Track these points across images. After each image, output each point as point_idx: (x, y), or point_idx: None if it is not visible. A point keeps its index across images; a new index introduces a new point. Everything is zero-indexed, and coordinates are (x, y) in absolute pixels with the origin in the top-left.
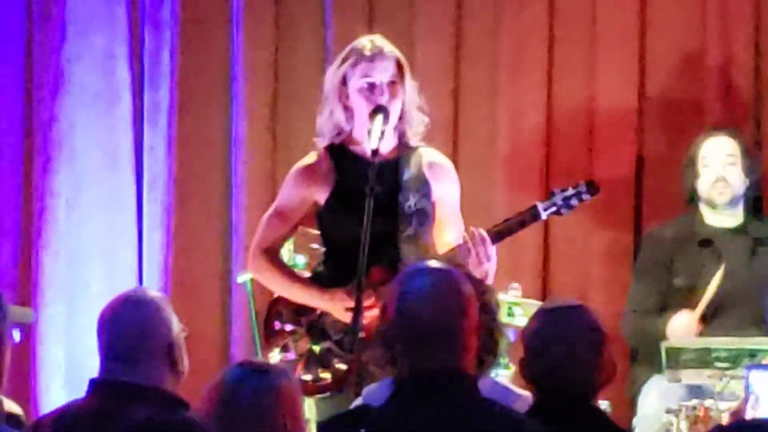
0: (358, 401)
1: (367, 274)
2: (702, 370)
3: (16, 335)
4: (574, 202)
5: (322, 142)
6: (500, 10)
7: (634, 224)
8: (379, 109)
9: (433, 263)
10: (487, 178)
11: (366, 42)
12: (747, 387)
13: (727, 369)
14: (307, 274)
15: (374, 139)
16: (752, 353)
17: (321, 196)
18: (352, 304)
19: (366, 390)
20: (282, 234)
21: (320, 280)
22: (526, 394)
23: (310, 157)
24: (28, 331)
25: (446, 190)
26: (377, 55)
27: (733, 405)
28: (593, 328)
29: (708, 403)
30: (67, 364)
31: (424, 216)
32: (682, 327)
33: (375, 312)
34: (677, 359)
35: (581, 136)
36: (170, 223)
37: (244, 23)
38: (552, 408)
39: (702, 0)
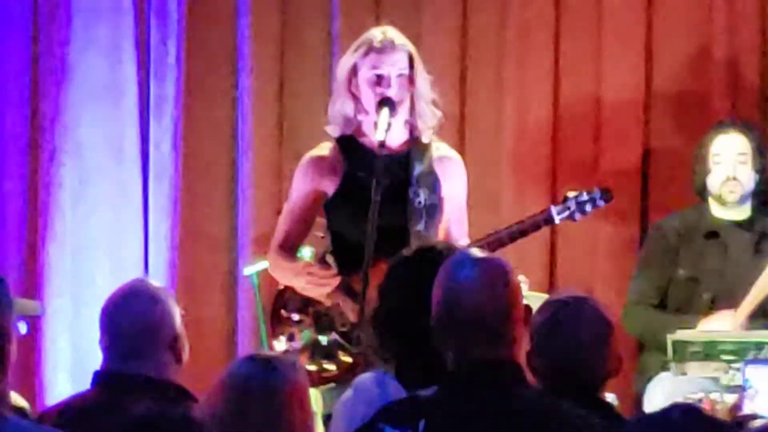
0: (348, 392)
1: (374, 267)
2: (708, 362)
3: (23, 328)
4: (588, 207)
5: (333, 132)
6: (507, 3)
7: (641, 217)
8: (385, 102)
9: (477, 252)
10: (494, 171)
11: (378, 33)
12: (744, 381)
13: (733, 362)
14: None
15: (381, 131)
16: (758, 346)
17: (330, 186)
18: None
19: (357, 380)
20: (298, 229)
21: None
22: None
23: (319, 148)
24: (34, 324)
25: (455, 185)
26: (387, 47)
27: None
28: (600, 320)
29: (714, 395)
30: (73, 357)
31: (434, 211)
32: (723, 326)
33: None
34: (683, 352)
35: (588, 129)
36: (176, 215)
37: (251, 15)
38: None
39: None
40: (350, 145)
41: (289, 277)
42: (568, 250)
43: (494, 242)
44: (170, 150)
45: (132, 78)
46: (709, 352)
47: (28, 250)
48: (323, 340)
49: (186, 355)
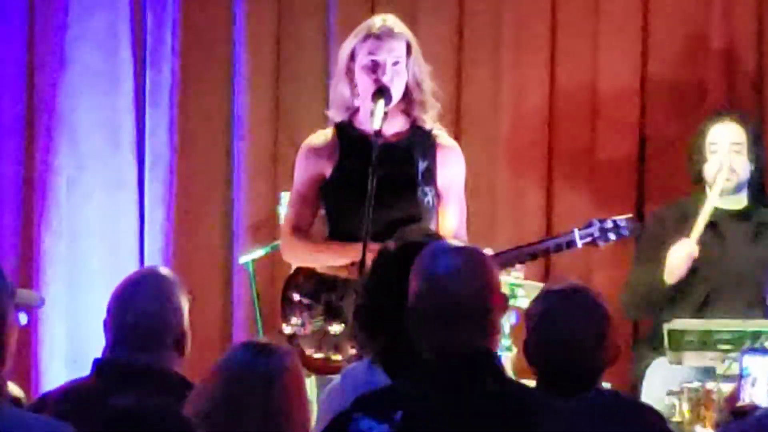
0: (337, 379)
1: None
2: (704, 352)
3: (23, 319)
4: (611, 236)
5: (334, 116)
6: None
7: (637, 205)
8: (381, 92)
9: (455, 242)
10: (490, 158)
11: (379, 20)
12: (741, 370)
13: (729, 351)
14: None
15: (377, 120)
16: (755, 335)
17: (327, 171)
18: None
19: (346, 369)
20: (306, 213)
21: None
22: None
23: (318, 135)
24: (30, 311)
25: (453, 174)
26: (385, 33)
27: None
28: (596, 309)
29: (710, 385)
30: (68, 343)
31: (436, 206)
32: (682, 255)
33: None
34: (679, 341)
35: (584, 117)
36: (172, 202)
37: (246, 2)
38: (555, 390)
39: None
40: (348, 131)
41: (307, 256)
42: None
43: (514, 258)
44: (166, 137)
45: (128, 65)
46: (705, 341)
47: (23, 237)
48: (333, 330)
49: (189, 348)
